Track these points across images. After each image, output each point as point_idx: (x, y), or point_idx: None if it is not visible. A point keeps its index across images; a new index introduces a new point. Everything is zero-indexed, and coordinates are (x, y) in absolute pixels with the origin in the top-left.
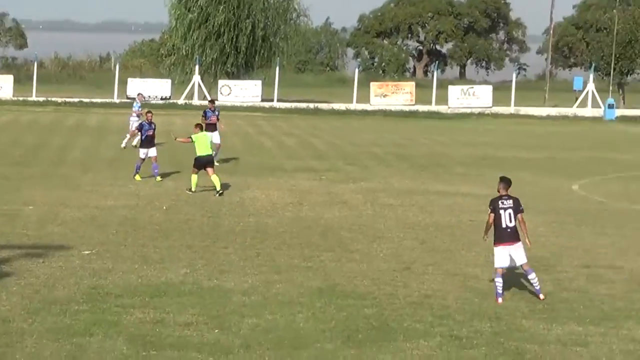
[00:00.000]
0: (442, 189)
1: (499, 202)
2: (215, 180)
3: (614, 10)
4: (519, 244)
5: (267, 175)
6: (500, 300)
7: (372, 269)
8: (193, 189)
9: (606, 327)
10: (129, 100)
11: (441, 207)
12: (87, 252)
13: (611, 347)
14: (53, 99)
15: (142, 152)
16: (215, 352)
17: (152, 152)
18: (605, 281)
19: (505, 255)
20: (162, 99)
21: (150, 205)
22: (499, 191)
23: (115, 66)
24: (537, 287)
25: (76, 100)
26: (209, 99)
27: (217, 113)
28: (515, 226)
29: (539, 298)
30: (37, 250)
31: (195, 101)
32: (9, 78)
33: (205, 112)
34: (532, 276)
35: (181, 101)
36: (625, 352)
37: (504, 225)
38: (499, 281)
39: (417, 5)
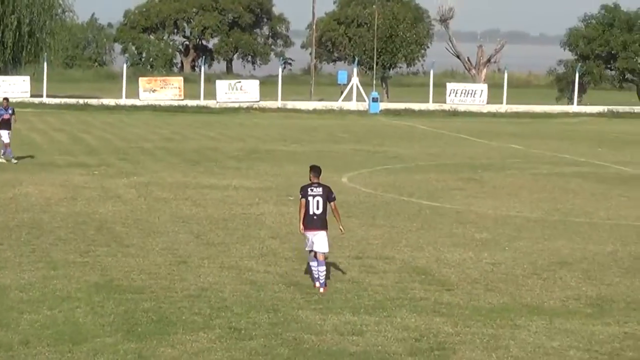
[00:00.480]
0: (214, 183)
1: (309, 189)
2: None
3: (374, 6)
4: (323, 233)
5: (39, 171)
6: (317, 284)
7: (148, 263)
8: None
9: (380, 316)
10: None
11: (214, 201)
12: None
13: (386, 335)
14: None
15: None
16: None
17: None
18: (378, 271)
19: (310, 241)
20: None
21: None
22: (310, 179)
23: None
24: (322, 281)
25: None
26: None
27: (10, 110)
28: (322, 214)
29: (320, 291)
30: None
31: None
32: None
33: None
34: (322, 269)
35: None
36: (399, 340)
37: (311, 212)
38: (313, 265)
39: (182, 1)
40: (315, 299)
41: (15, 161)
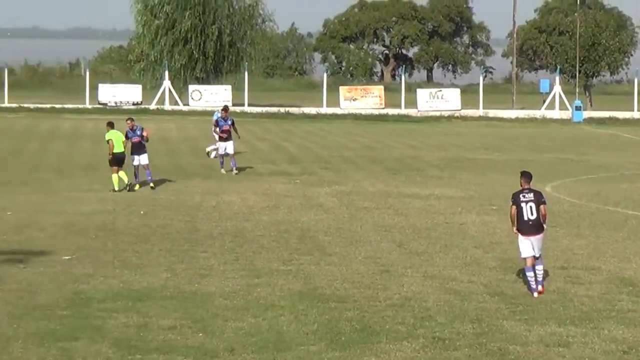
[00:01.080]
0: (416, 192)
1: (520, 196)
2: (122, 175)
3: (576, 14)
4: (541, 236)
5: (242, 179)
6: (535, 295)
7: (351, 272)
8: (117, 188)
9: (587, 327)
10: (100, 106)
11: (416, 210)
12: (67, 257)
13: (593, 348)
14: (25, 105)
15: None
16: (200, 355)
17: (144, 159)
18: (584, 282)
19: (528, 245)
20: (133, 104)
21: (127, 210)
22: (521, 185)
23: (85, 72)
24: (540, 279)
25: (48, 106)
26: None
27: (229, 121)
28: (537, 219)
29: (538, 289)
30: (17, 255)
31: (167, 106)
32: None
33: (217, 121)
34: (540, 267)
35: (153, 106)
36: (606, 352)
37: (525, 218)
38: (529, 275)
39: (381, 11)
40: (520, 309)
41: (236, 172)
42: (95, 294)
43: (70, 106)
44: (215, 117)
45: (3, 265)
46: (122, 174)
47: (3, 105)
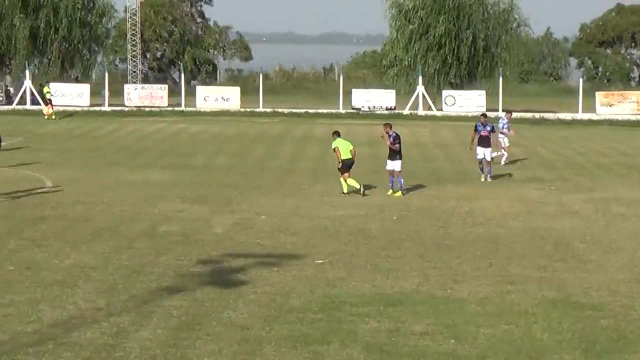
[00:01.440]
0: None
1: None
2: (353, 183)
3: None
4: None
5: (496, 185)
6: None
7: (606, 280)
8: (345, 191)
9: None
10: (353, 111)
11: None
12: (320, 261)
13: None
14: (279, 110)
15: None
16: None
17: (397, 165)
18: None
19: None
20: (387, 109)
21: (380, 215)
22: None
23: (338, 77)
24: None
25: (302, 111)
26: (435, 110)
27: (489, 127)
28: None
29: None
30: (271, 259)
31: (420, 111)
32: (236, 90)
33: (476, 126)
34: None
35: (406, 111)
36: None
37: None
38: None
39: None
40: None
41: (490, 180)
42: (348, 298)
43: (324, 111)
44: (501, 124)
45: (257, 268)
46: (351, 180)
47: (258, 110)
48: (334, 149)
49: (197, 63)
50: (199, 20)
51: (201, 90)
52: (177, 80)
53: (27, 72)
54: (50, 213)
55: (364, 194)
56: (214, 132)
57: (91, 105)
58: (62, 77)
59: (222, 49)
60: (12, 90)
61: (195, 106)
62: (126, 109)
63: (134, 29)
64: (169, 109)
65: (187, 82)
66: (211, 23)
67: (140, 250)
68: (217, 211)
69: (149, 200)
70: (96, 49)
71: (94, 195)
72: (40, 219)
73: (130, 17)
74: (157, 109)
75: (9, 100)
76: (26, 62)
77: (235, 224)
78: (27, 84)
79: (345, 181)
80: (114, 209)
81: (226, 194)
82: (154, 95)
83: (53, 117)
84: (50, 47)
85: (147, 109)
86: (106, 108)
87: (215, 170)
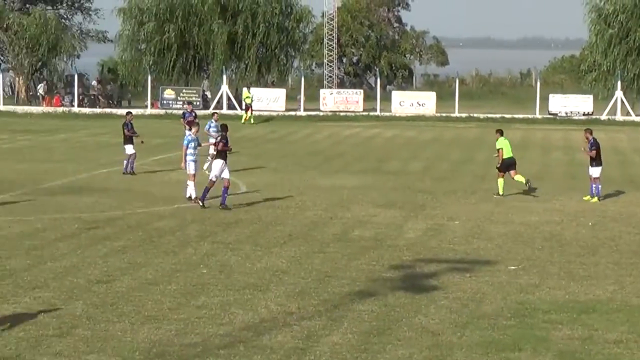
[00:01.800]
0: None
1: None
2: (520, 179)
3: None
4: None
5: None
6: None
7: None
8: (501, 193)
9: None
10: (549, 116)
11: None
12: (513, 267)
13: None
14: (475, 114)
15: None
16: None
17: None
18: None
19: None
20: (584, 114)
21: (575, 222)
22: None
23: (535, 82)
24: None
25: (498, 116)
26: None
27: None
28: None
29: None
30: (463, 264)
31: (618, 117)
32: (432, 95)
33: None
34: None
35: (604, 117)
36: None
37: None
38: None
39: None
40: None
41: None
42: (541, 305)
43: (520, 116)
44: None
45: (449, 274)
46: (518, 177)
47: (453, 115)
48: (498, 150)
49: (393, 68)
50: (395, 25)
51: (397, 95)
52: (373, 85)
53: (224, 77)
54: (244, 216)
55: (529, 187)
56: (409, 137)
57: (286, 110)
58: (259, 82)
59: (418, 54)
60: (209, 95)
61: (390, 111)
62: (321, 113)
63: (330, 34)
64: (364, 113)
65: (383, 87)
66: (408, 28)
67: (332, 255)
68: (410, 216)
69: (342, 204)
70: (293, 53)
71: (287, 199)
72: (234, 223)
73: (328, 22)
74: (352, 114)
75: (206, 104)
76: (223, 67)
77: (428, 229)
78: (224, 88)
79: (502, 181)
80: (307, 213)
81: (419, 198)
82: (350, 100)
83: (251, 121)
84: (248, 52)
85: (342, 114)
86: (301, 113)
87: (409, 175)
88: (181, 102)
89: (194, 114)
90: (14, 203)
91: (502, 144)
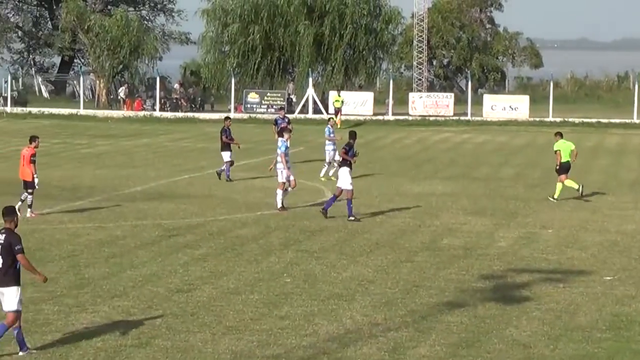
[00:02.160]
0: None
1: None
2: (571, 184)
3: None
4: None
5: None
6: None
7: None
8: (557, 197)
9: None
10: None
11: None
12: (608, 278)
13: None
14: (570, 119)
15: None
16: None
17: None
18: None
19: None
20: None
21: None
22: None
23: (633, 85)
24: None
25: (593, 120)
26: None
27: None
28: None
29: None
30: (556, 274)
31: None
32: (525, 98)
33: None
34: None
35: None
36: None
37: None
38: None
39: None
40: None
41: None
42: (637, 317)
43: (617, 121)
44: None
45: (541, 284)
46: (569, 182)
47: (547, 119)
48: (556, 152)
49: (485, 70)
50: (488, 26)
51: (488, 99)
52: (464, 88)
53: (310, 79)
54: (329, 224)
55: (582, 195)
56: (501, 142)
57: (374, 114)
58: (345, 85)
59: (511, 56)
60: (294, 98)
61: (481, 115)
62: (410, 118)
63: (420, 35)
64: (454, 118)
65: (474, 91)
66: (501, 29)
67: (421, 264)
68: (502, 224)
69: (431, 212)
70: (381, 56)
71: (374, 207)
72: (319, 231)
73: (417, 23)
74: (442, 119)
75: (290, 108)
76: (309, 69)
77: (520, 237)
78: (310, 92)
79: (563, 184)
80: (394, 221)
81: (511, 206)
82: (440, 104)
83: (338, 126)
84: (334, 55)
85: (431, 118)
86: (389, 117)
87: (501, 181)
88: (265, 106)
89: (286, 120)
90: (94, 209)
91: (561, 146)
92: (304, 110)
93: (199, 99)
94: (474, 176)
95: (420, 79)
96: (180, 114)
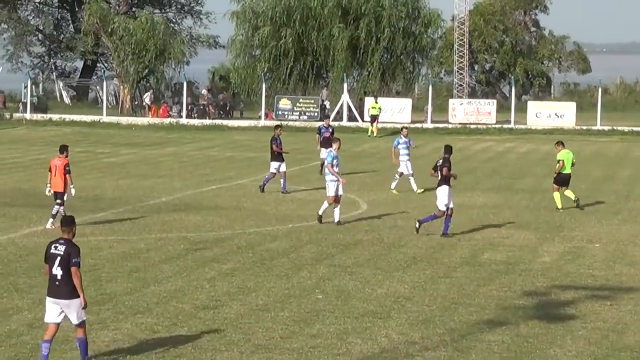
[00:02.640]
0: None
1: None
2: (569, 194)
3: None
4: None
5: None
6: None
7: None
8: (560, 206)
9: None
10: None
11: None
12: None
13: None
14: (619, 127)
15: None
16: None
17: None
18: None
19: None
20: None
21: None
22: None
23: None
24: None
25: None
26: None
27: None
28: None
29: None
30: (604, 291)
31: None
32: (571, 105)
33: None
34: None
35: None
36: None
37: None
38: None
39: None
40: None
41: None
42: None
43: None
44: None
45: (588, 302)
46: (568, 192)
47: (595, 127)
48: (558, 161)
49: (530, 76)
50: (532, 29)
51: (533, 106)
52: (507, 94)
53: (345, 85)
54: (364, 237)
55: (579, 205)
56: (545, 151)
57: (412, 121)
58: (382, 91)
59: (557, 61)
60: (328, 105)
61: (525, 123)
62: (450, 126)
63: (461, 39)
64: (497, 126)
65: (518, 97)
66: (546, 32)
67: (460, 280)
68: (546, 238)
69: (471, 224)
70: (420, 60)
71: (411, 219)
72: (353, 244)
73: (458, 27)
74: (484, 127)
75: (324, 115)
76: (344, 74)
77: (565, 252)
78: (345, 98)
79: (560, 193)
80: (432, 234)
81: (556, 219)
82: (481, 111)
83: (373, 134)
84: (371, 59)
85: (472, 126)
86: (429, 125)
87: (546, 193)
88: (297, 113)
89: (330, 129)
90: (116, 221)
91: (564, 156)
92: (338, 117)
93: (228, 105)
94: (517, 187)
95: (461, 85)
96: (207, 121)
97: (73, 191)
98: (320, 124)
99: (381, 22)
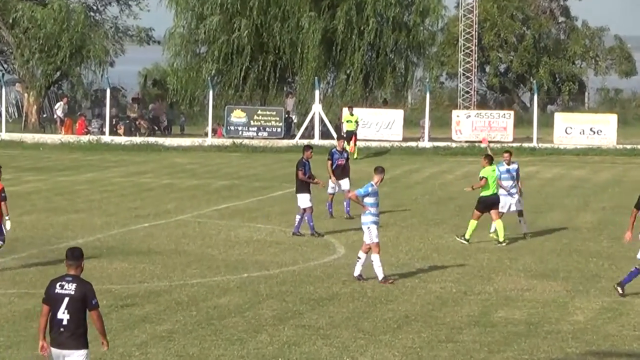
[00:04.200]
0: None
1: None
2: (499, 227)
3: None
4: None
5: None
6: None
7: None
8: (467, 237)
9: None
10: None
11: None
12: None
13: None
14: None
15: None
16: None
17: None
18: None
19: None
20: None
21: None
22: None
23: None
24: None
25: None
26: None
27: None
28: None
29: None
30: None
31: None
32: (612, 118)
33: None
34: None
35: None
36: None
37: None
38: None
39: None
40: None
41: None
42: None
43: None
44: None
45: None
46: (498, 223)
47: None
48: (481, 179)
49: (557, 80)
50: (561, 19)
51: (561, 119)
52: (527, 104)
53: (317, 92)
54: (341, 290)
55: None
56: (578, 177)
57: (404, 139)
58: (365, 100)
59: (593, 60)
60: (294, 118)
61: (552, 141)
62: (454, 144)
63: (469, 32)
64: (515, 144)
65: (542, 108)
66: (579, 23)
67: (466, 345)
68: (578, 290)
69: (482, 274)
70: (415, 60)
71: (403, 266)
72: (327, 299)
73: (465, 16)
74: (498, 145)
75: (289, 131)
76: (316, 78)
77: (603, 308)
78: (317, 109)
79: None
80: (431, 286)
81: (592, 266)
82: (494, 125)
83: (354, 155)
84: (351, 58)
85: (482, 145)
86: (426, 143)
87: (578, 232)
88: (255, 128)
89: (345, 155)
90: (18, 270)
91: (488, 173)
92: (307, 133)
93: (164, 118)
94: (542, 224)
95: (468, 92)
96: (138, 139)
97: (8, 224)
98: (331, 145)
99: (364, 11)
